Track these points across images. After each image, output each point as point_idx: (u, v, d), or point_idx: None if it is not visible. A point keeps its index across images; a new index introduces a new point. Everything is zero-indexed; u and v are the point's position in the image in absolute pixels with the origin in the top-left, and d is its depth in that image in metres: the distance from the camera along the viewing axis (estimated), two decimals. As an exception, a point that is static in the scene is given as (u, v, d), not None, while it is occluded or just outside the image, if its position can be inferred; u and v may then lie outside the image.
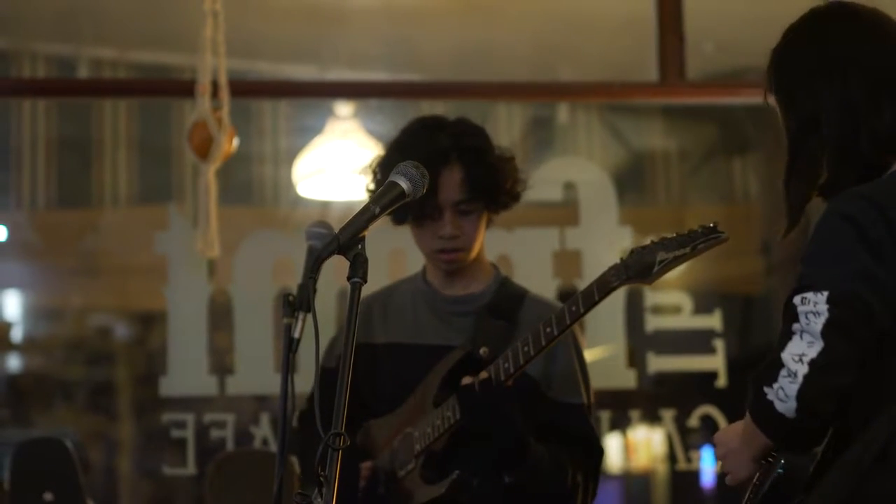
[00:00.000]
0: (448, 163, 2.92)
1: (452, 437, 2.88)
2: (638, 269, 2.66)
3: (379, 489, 2.95)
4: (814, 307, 2.01)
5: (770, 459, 2.14)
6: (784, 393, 2.00)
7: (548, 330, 2.75)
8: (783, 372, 2.01)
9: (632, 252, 2.68)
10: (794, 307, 2.03)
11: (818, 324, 2.00)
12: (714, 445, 2.28)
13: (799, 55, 2.27)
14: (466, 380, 2.83)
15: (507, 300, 3.04)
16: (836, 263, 2.04)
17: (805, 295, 2.03)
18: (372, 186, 3.03)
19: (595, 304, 2.71)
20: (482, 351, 2.93)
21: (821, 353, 1.99)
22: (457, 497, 2.86)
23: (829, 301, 2.00)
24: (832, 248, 2.07)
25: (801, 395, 1.99)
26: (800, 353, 2.00)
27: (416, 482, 2.91)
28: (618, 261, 2.70)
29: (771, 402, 2.02)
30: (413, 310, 3.08)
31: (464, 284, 3.05)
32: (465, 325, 3.00)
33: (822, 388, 1.99)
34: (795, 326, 2.02)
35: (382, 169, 3.01)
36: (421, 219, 2.95)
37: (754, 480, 2.17)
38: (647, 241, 2.68)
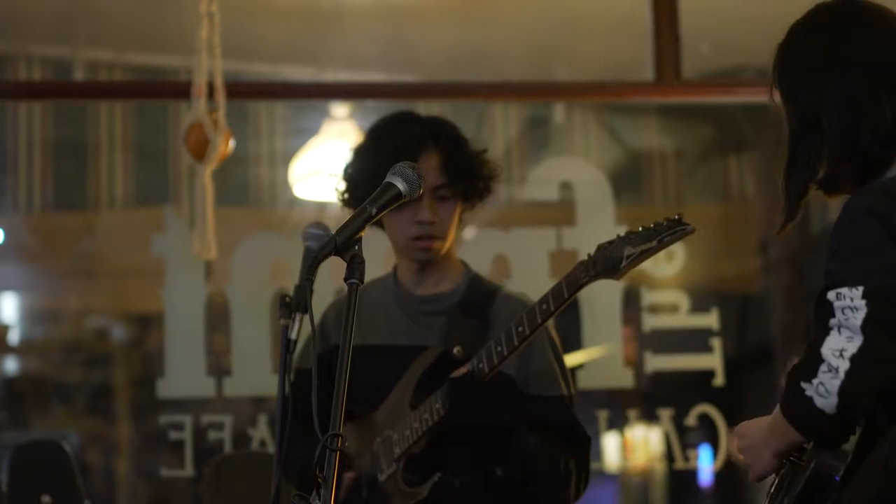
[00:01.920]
0: (425, 149, 2.93)
1: (432, 438, 2.88)
2: (606, 265, 2.65)
3: (361, 494, 2.95)
4: (850, 302, 2.01)
5: (792, 458, 2.13)
6: (825, 388, 2.00)
7: (520, 329, 2.75)
8: (823, 367, 2.00)
9: (599, 248, 2.68)
10: (828, 303, 2.03)
11: (857, 319, 1.99)
12: (737, 437, 2.28)
13: (802, 51, 2.28)
14: (457, 373, 2.82)
15: (479, 297, 3.03)
16: (866, 258, 2.05)
17: (840, 290, 2.02)
18: (344, 182, 3.04)
19: (566, 301, 2.72)
20: (456, 350, 2.93)
21: (861, 348, 1.99)
22: (439, 499, 2.86)
23: (865, 296, 2.00)
24: (859, 242, 2.07)
25: (843, 390, 1.98)
26: (840, 348, 2.00)
27: (399, 486, 2.91)
28: (585, 257, 2.71)
29: (810, 398, 2.01)
30: (385, 311, 3.08)
31: (434, 282, 3.05)
32: (436, 325, 3.00)
33: (864, 382, 1.99)
34: (832, 322, 2.02)
35: (357, 163, 3.02)
36: (399, 205, 2.95)
37: (776, 479, 2.17)
38: (615, 236, 2.68)
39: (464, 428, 2.84)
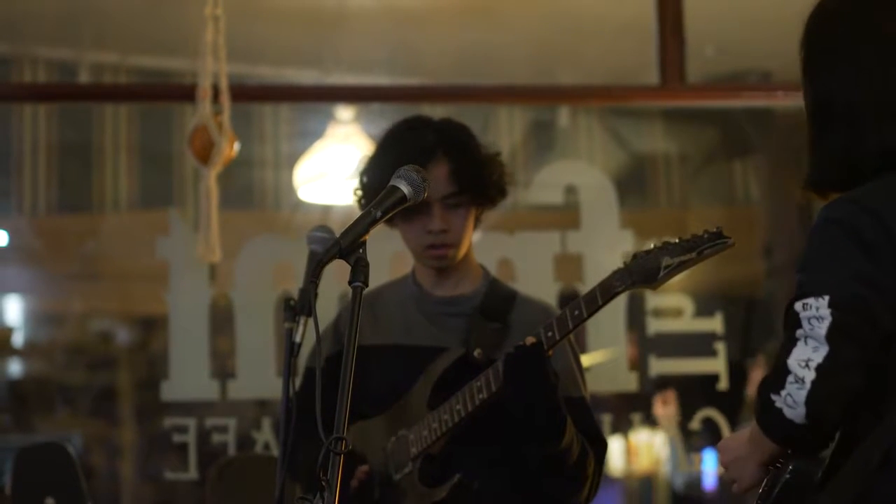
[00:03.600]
0: (434, 158, 2.91)
1: (451, 439, 2.87)
2: (642, 275, 2.62)
3: (374, 493, 2.94)
4: (816, 312, 2.01)
5: (778, 465, 2.13)
6: (793, 399, 2.00)
7: (549, 334, 2.73)
8: (790, 378, 2.00)
9: (635, 257, 2.65)
10: (795, 314, 2.03)
11: (822, 328, 1.99)
12: (719, 452, 2.28)
13: (823, 31, 2.24)
14: (529, 339, 2.76)
15: (499, 301, 3.02)
16: (834, 268, 2.04)
17: (806, 301, 2.02)
18: (359, 190, 3.04)
19: (598, 308, 2.69)
20: (476, 353, 2.92)
21: (827, 358, 1.98)
22: (458, 500, 2.84)
23: (831, 305, 2.00)
24: (828, 253, 2.07)
25: (811, 400, 1.98)
26: (806, 358, 2.00)
27: (415, 485, 2.90)
28: (621, 265, 2.69)
29: (780, 410, 2.01)
30: (402, 311, 3.06)
31: (453, 285, 3.04)
32: (455, 327, 2.99)
33: (831, 392, 1.99)
34: (799, 332, 2.02)
35: (370, 170, 3.02)
36: (409, 214, 2.94)
37: (763, 486, 2.17)
38: (651, 246, 2.66)
39: (515, 400, 2.75)
